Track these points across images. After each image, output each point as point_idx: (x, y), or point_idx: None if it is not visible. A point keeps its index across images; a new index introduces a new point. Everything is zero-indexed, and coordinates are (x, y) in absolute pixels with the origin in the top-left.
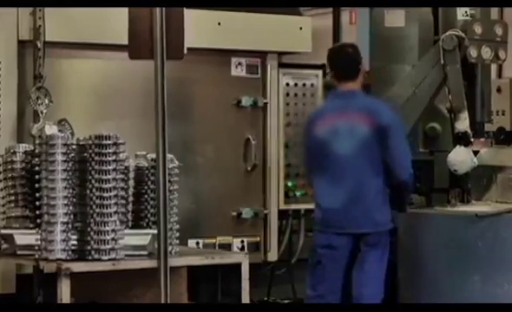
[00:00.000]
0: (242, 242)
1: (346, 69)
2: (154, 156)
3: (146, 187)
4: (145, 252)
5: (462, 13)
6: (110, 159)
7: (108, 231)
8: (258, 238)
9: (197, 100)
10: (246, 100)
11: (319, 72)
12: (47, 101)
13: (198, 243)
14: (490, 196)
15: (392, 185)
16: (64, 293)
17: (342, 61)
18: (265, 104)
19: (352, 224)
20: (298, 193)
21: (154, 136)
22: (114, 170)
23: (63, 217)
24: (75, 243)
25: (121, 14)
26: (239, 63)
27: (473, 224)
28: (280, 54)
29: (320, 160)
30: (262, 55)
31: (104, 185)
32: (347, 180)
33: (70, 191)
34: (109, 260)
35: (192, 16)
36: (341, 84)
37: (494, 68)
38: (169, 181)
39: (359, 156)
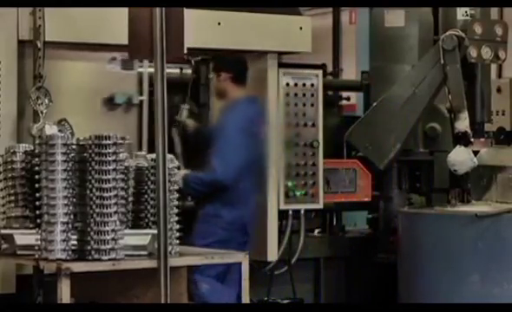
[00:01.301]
0: None
1: (245, 75)
2: (154, 156)
3: (146, 187)
4: (145, 252)
5: (462, 13)
6: (110, 159)
7: (108, 231)
8: None
9: (69, 96)
10: (119, 97)
11: (319, 72)
12: (47, 101)
13: None
14: (490, 196)
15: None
16: (64, 293)
17: (242, 67)
18: (141, 102)
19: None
20: (298, 193)
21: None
22: (114, 170)
23: (63, 217)
24: (75, 243)
25: (121, 14)
26: (114, 58)
27: (473, 224)
28: (280, 54)
29: (252, 165)
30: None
31: (104, 185)
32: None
33: (70, 191)
34: (109, 260)
35: (192, 16)
36: (239, 88)
37: (494, 68)
38: (169, 181)
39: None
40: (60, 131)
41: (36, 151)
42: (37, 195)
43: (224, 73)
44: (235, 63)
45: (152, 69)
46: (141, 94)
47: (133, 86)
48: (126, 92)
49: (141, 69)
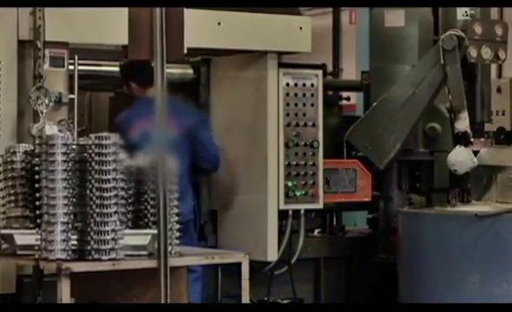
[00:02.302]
0: None
1: (151, 76)
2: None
3: (146, 187)
4: (145, 252)
5: (462, 13)
6: (110, 159)
7: (108, 231)
8: None
9: None
10: None
11: (319, 72)
12: (47, 101)
13: None
14: (490, 196)
15: None
16: (64, 293)
17: (147, 71)
18: (72, 100)
19: None
20: (298, 193)
21: None
22: (114, 170)
23: (63, 217)
24: (75, 243)
25: (121, 14)
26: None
27: (473, 224)
28: (280, 54)
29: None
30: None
31: (104, 185)
32: None
33: (70, 191)
34: (109, 260)
35: (192, 16)
36: (147, 90)
37: (494, 68)
38: (169, 181)
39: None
40: (60, 131)
41: (36, 151)
42: (37, 195)
43: (133, 82)
44: (140, 70)
45: (82, 67)
46: (71, 92)
47: (63, 84)
48: (55, 90)
49: (71, 67)
